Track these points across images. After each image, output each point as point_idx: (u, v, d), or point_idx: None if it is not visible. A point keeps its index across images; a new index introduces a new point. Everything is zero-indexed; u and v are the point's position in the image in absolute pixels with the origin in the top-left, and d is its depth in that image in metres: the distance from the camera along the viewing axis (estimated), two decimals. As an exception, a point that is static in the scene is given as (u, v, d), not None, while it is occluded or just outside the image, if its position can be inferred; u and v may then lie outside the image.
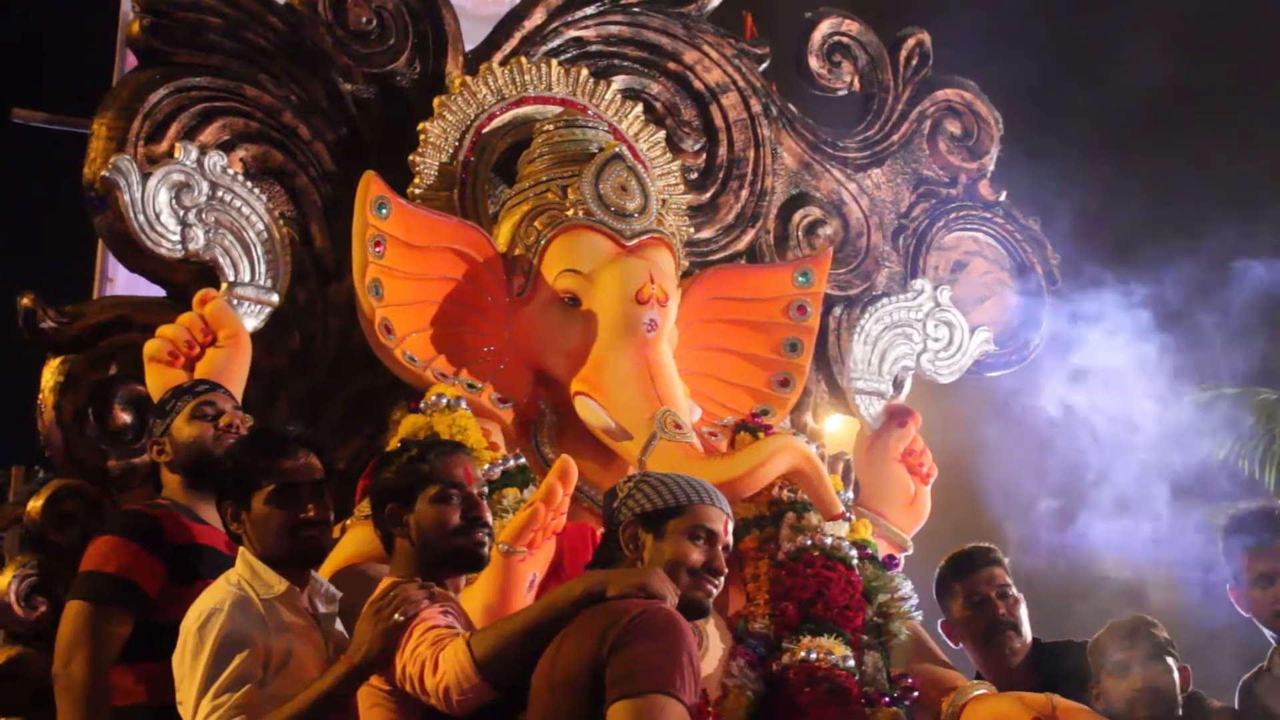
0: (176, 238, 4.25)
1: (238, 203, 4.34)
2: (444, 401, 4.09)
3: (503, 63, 4.81)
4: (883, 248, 5.45)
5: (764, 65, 5.40)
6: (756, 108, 5.29)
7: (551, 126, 4.58)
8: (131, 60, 4.79)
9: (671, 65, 5.22)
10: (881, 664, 4.06)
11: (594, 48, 5.11)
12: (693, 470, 3.71)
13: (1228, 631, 4.59)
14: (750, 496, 4.17)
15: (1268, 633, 4.20)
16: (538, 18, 5.01)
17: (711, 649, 3.95)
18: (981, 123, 5.66)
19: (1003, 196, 5.64)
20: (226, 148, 4.48)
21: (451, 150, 4.60)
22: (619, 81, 5.04)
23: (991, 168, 5.67)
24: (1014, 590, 4.37)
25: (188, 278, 4.36)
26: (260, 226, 4.36)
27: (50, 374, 4.26)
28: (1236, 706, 4.15)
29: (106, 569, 3.50)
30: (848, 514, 4.30)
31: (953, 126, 5.63)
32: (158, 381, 4.03)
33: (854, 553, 4.19)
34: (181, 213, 4.25)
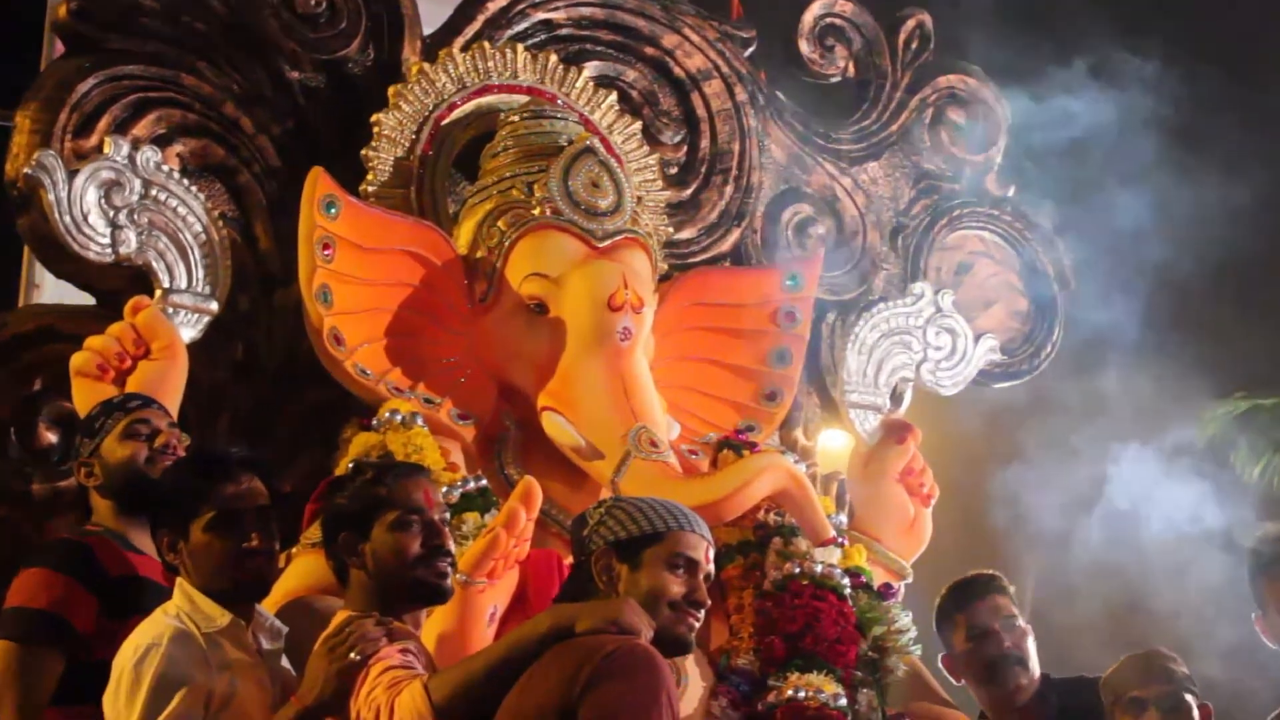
0: (106, 240, 4.26)
1: (173, 202, 4.35)
2: (398, 418, 4.09)
3: (464, 48, 4.82)
4: (879, 248, 5.45)
5: (750, 50, 5.41)
6: (742, 96, 5.29)
7: (517, 118, 4.57)
8: (60, 48, 4.78)
9: (649, 50, 5.22)
10: (876, 703, 4.07)
11: (564, 31, 5.11)
12: (670, 492, 3.71)
13: (1255, 664, 4.63)
14: (733, 520, 4.20)
15: (1297, 666, 4.24)
16: (502, -1, 5.03)
17: (691, 687, 3.97)
18: (988, 111, 5.67)
19: (1011, 191, 5.66)
20: (162, 142, 4.49)
21: (408, 144, 4.61)
22: (591, 68, 5.03)
23: (999, 160, 5.68)
24: (1020, 621, 4.36)
25: (119, 284, 4.36)
26: (198, 228, 4.38)
27: (-32, 389, 4.28)
28: (1264, 747, 4.20)
29: (35, 605, 3.45)
30: (840, 539, 4.34)
31: (956, 115, 5.63)
32: (86, 398, 3.98)
33: (846, 581, 4.22)
34: (112, 213, 4.27)
